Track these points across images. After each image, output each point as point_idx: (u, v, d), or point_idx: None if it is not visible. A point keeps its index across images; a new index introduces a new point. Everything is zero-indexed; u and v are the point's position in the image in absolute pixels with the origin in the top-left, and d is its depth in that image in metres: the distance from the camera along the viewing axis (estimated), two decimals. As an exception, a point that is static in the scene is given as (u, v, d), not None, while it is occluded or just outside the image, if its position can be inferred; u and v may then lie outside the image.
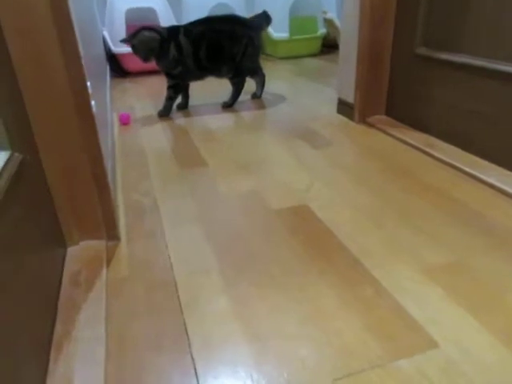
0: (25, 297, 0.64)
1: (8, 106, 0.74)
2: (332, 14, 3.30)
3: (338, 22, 3.27)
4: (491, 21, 1.24)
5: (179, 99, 2.11)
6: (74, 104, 0.88)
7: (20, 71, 0.81)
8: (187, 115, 2.04)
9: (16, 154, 0.71)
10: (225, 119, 1.97)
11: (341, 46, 1.86)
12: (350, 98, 1.81)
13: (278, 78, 2.73)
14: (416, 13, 1.51)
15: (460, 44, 1.37)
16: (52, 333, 0.74)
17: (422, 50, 1.53)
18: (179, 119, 1.99)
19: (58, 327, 0.75)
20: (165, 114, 2.03)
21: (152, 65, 2.01)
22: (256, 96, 2.26)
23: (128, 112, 2.02)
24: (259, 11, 3.28)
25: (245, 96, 2.21)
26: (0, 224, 0.57)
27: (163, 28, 1.97)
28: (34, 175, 0.82)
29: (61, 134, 0.88)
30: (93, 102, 0.93)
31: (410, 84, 1.63)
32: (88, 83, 0.90)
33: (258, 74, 2.18)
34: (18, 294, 0.61)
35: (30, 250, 0.71)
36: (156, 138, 1.76)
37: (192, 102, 2.16)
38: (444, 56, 1.43)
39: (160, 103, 2.08)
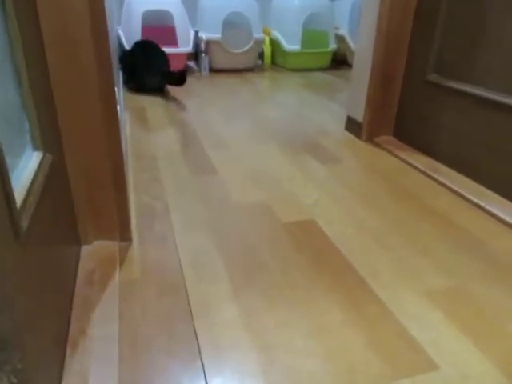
0: (47, 290, 0.66)
1: (42, 108, 0.76)
2: (343, 31, 3.36)
3: (348, 39, 3.33)
4: (503, 55, 1.28)
5: None
6: (101, 108, 0.90)
7: (54, 73, 0.84)
8: (199, 121, 2.08)
9: (48, 155, 0.74)
10: (234, 128, 2.00)
11: (354, 66, 1.90)
12: (359, 116, 1.85)
13: (287, 90, 2.78)
14: (430, 40, 1.56)
15: (471, 74, 1.41)
16: (68, 329, 0.76)
17: (433, 77, 1.57)
18: (191, 125, 2.02)
19: (74, 324, 0.77)
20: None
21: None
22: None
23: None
24: (273, 21, 3.35)
25: (255, 107, 2.24)
26: (35, 222, 0.60)
27: None
28: (59, 175, 0.84)
29: (86, 137, 0.91)
30: (118, 107, 0.96)
31: (418, 108, 1.67)
32: (116, 88, 0.93)
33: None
34: (42, 288, 0.64)
35: (53, 248, 0.74)
36: (167, 141, 1.79)
37: (205, 108, 2.19)
38: (454, 85, 1.47)
39: (171, 105, 2.11)
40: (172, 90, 2.54)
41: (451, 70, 1.50)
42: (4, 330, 0.41)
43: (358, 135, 1.87)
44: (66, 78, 0.85)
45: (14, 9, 0.64)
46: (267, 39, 3.39)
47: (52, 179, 0.75)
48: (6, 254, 0.45)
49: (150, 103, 2.34)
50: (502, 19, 1.28)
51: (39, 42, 0.79)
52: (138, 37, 2.70)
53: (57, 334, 0.70)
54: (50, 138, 0.79)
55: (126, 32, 2.83)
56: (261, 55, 3.44)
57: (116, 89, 0.94)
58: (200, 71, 3.16)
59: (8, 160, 0.56)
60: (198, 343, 0.79)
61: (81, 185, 0.94)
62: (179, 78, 2.44)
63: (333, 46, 3.35)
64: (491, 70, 1.34)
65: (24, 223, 0.53)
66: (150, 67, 2.48)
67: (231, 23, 3.05)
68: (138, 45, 2.60)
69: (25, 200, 0.57)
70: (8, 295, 0.43)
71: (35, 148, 0.71)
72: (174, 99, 2.42)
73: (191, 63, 3.40)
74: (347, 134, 1.95)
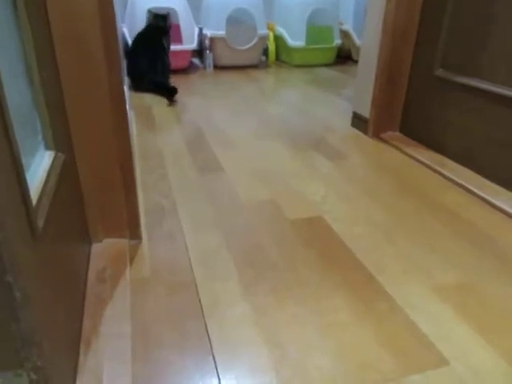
0: (61, 288, 0.67)
1: (53, 107, 0.77)
2: (348, 26, 3.34)
3: (353, 34, 3.31)
4: (510, 48, 1.28)
5: None
6: (110, 107, 0.91)
7: (64, 73, 0.84)
8: (204, 118, 2.08)
9: (59, 154, 0.74)
10: (239, 125, 2.00)
11: (360, 61, 1.89)
12: (365, 112, 1.85)
13: (292, 86, 2.77)
14: (437, 35, 1.55)
15: (478, 69, 1.41)
16: (81, 327, 0.77)
17: (440, 72, 1.56)
18: (196, 122, 2.02)
19: (86, 322, 0.78)
20: None
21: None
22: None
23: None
24: (277, 17, 3.34)
25: (260, 104, 2.24)
26: (50, 220, 0.60)
27: None
28: (70, 174, 0.85)
29: (96, 135, 0.91)
30: (127, 106, 0.96)
31: (425, 104, 1.66)
32: (125, 88, 0.93)
33: None
34: (57, 286, 0.64)
35: (66, 246, 0.74)
36: (172, 139, 1.80)
37: (210, 105, 2.20)
38: (461, 80, 1.47)
39: (175, 102, 2.12)
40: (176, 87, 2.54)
41: (458, 64, 1.49)
42: (25, 328, 0.42)
43: (365, 131, 1.87)
44: (76, 78, 0.85)
45: (25, 9, 0.64)
46: (271, 35, 3.38)
47: (64, 178, 0.76)
48: (24, 252, 0.46)
49: (155, 101, 2.34)
50: (509, 11, 1.28)
51: (49, 41, 0.80)
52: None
53: (70, 331, 0.70)
54: (60, 137, 0.80)
55: (131, 30, 2.83)
56: (265, 51, 3.43)
57: (125, 88, 0.94)
58: (204, 68, 3.17)
59: (22, 159, 0.57)
60: (209, 340, 0.79)
61: (91, 183, 0.94)
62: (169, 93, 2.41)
63: (337, 41, 3.34)
64: (498, 64, 1.33)
65: (40, 222, 0.54)
66: (151, 69, 2.49)
67: (235, 20, 3.04)
68: (142, 40, 2.57)
69: (39, 199, 0.58)
70: (28, 293, 0.44)
71: (47, 147, 0.72)
72: (176, 101, 2.42)
73: (196, 60, 3.40)
74: (353, 129, 1.95)
